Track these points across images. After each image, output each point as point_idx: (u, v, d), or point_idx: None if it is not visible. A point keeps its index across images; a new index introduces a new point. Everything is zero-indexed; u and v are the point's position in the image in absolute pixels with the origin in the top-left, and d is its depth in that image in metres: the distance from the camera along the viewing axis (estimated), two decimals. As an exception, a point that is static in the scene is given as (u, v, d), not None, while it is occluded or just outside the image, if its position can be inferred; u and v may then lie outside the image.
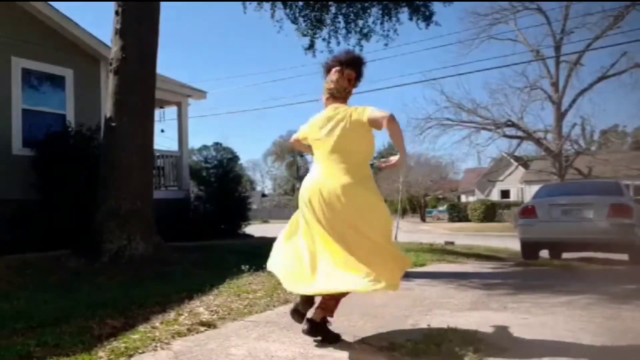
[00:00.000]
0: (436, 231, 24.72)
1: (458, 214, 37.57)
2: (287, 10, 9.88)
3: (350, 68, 2.94)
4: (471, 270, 6.89)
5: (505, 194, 40.29)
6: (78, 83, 9.15)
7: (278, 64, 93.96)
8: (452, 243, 12.62)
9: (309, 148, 3.05)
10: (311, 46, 10.10)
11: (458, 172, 45.44)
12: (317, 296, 2.84)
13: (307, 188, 2.83)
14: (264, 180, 71.94)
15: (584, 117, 24.46)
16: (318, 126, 2.91)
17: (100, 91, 9.29)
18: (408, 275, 5.86)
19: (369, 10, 9.88)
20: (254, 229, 13.10)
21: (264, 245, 8.19)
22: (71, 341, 2.87)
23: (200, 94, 12.31)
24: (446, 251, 9.44)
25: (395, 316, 3.14)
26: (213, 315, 3.60)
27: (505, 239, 14.81)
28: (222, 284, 4.75)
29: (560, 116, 24.09)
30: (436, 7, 9.98)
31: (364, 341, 2.90)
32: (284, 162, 68.44)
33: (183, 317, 3.52)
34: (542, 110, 27.05)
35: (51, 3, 8.75)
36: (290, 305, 2.99)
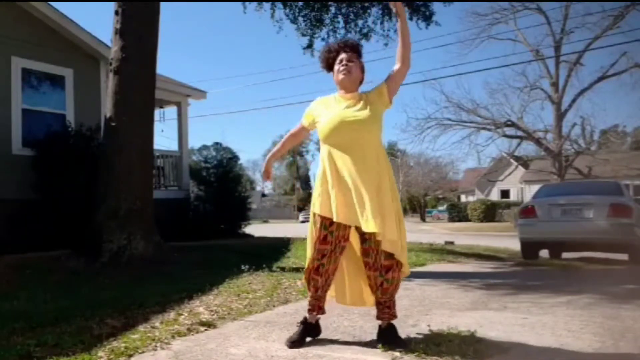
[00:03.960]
0: (436, 231, 24.72)
1: (458, 213, 37.60)
2: (287, 10, 9.89)
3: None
4: (471, 270, 6.89)
5: (505, 193, 40.31)
6: (78, 83, 9.15)
7: (278, 64, 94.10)
8: (452, 243, 12.61)
9: None
10: (310, 46, 10.11)
11: (458, 172, 45.51)
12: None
13: None
14: (263, 180, 71.92)
15: (584, 117, 24.49)
16: None
17: (100, 91, 9.29)
18: (408, 275, 5.86)
19: (369, 10, 9.88)
20: (254, 229, 13.10)
21: (264, 245, 8.23)
22: (71, 341, 2.87)
23: (200, 94, 12.30)
24: (446, 251, 9.43)
25: (395, 316, 3.15)
26: (213, 315, 3.60)
27: (505, 239, 14.80)
28: (222, 284, 4.76)
29: (560, 116, 24.09)
30: (436, 7, 9.98)
31: (364, 341, 2.90)
32: (283, 162, 68.43)
33: (183, 317, 3.52)
34: (542, 110, 27.19)
35: (51, 3, 8.75)
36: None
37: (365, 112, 2.72)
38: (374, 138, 2.75)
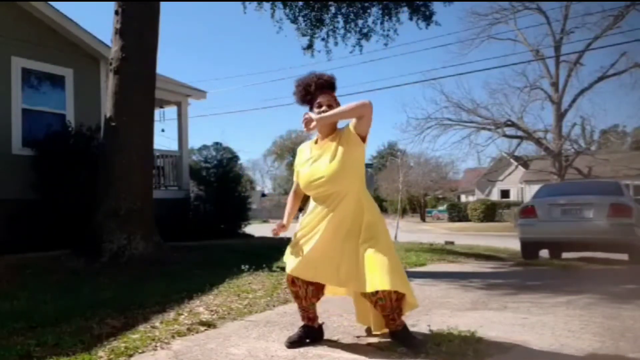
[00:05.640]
0: (436, 231, 24.71)
1: (458, 213, 37.56)
2: (287, 10, 9.89)
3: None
4: (471, 270, 6.89)
5: (505, 193, 40.30)
6: (78, 83, 9.15)
7: (278, 64, 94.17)
8: (452, 243, 12.62)
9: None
10: (310, 46, 10.11)
11: (458, 172, 45.46)
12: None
13: None
14: (264, 180, 71.78)
15: (584, 117, 24.49)
16: None
17: (100, 91, 9.29)
18: (408, 275, 5.86)
19: (369, 10, 9.88)
20: (254, 229, 13.10)
21: (264, 245, 8.23)
22: (71, 341, 2.88)
23: (200, 93, 12.30)
24: (446, 251, 9.44)
25: (395, 316, 3.14)
26: (213, 315, 3.60)
27: (505, 239, 14.80)
28: (222, 284, 4.76)
29: (560, 116, 24.08)
30: (436, 7, 10.01)
31: (364, 341, 2.90)
32: (283, 162, 68.44)
33: (183, 316, 3.52)
34: (542, 110, 27.13)
35: (51, 3, 8.74)
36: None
37: (332, 167, 2.67)
38: (346, 189, 2.70)
